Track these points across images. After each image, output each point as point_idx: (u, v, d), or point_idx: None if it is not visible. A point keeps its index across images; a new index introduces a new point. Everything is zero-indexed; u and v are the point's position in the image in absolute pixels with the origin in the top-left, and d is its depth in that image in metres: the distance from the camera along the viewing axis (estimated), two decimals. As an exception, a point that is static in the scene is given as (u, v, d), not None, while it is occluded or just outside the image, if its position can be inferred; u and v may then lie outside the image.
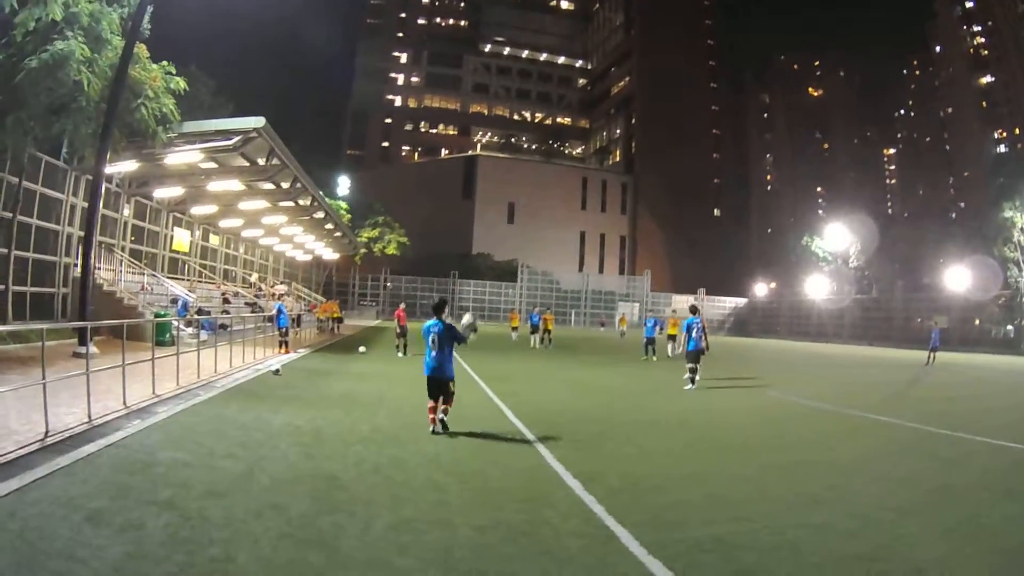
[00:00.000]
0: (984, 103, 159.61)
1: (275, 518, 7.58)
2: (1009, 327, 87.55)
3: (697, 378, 24.17)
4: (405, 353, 33.14)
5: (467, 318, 14.60)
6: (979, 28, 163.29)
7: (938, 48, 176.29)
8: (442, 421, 13.74)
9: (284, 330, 31.22)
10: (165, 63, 24.49)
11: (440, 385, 13.73)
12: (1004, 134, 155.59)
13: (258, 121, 27.85)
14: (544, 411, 17.11)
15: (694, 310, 25.15)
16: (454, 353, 14.15)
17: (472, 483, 9.65)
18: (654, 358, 37.90)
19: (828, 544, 7.78)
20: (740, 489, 10.13)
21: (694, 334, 24.11)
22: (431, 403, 13.84)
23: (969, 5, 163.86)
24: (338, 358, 30.57)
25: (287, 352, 30.40)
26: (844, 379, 33.94)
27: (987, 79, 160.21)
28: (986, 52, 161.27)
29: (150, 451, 10.33)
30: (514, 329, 57.01)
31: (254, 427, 12.85)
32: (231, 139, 29.36)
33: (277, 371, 22.07)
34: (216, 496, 8.23)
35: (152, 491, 8.26)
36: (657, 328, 40.35)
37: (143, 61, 23.63)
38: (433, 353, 13.70)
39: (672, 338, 41.21)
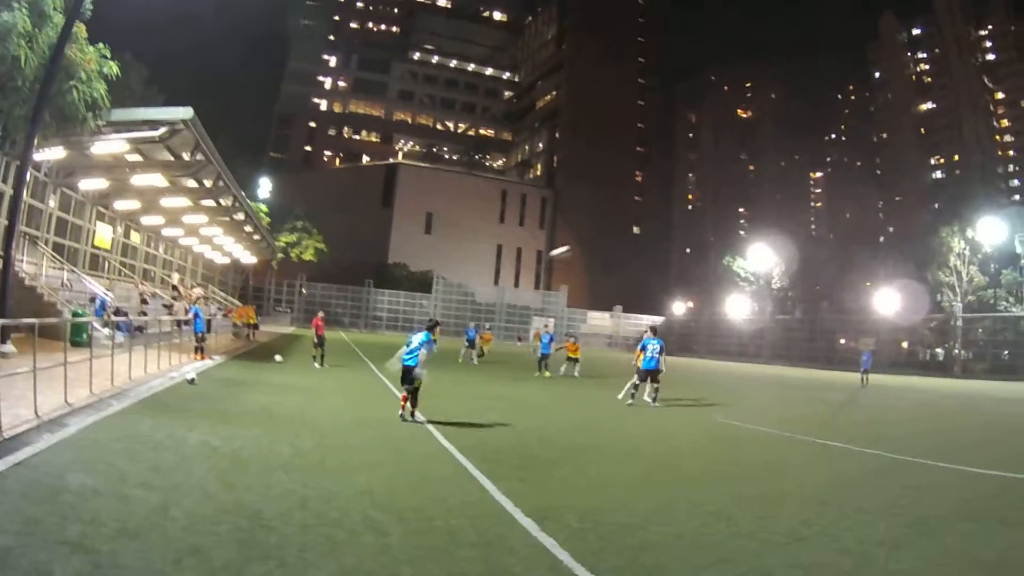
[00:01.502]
0: (923, 129, 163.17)
1: (197, 567, 6.49)
2: (939, 350, 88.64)
3: (646, 397, 25.39)
4: (323, 364, 32.37)
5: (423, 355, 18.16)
6: (924, 55, 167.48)
7: (877, 73, 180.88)
8: (412, 414, 17.44)
9: (200, 335, 30.22)
10: (101, 45, 23.63)
11: (409, 373, 17.47)
12: (942, 161, 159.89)
13: (186, 112, 27.17)
14: (477, 433, 16.34)
15: (654, 331, 25.98)
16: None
17: (414, 523, 8.48)
18: (547, 374, 37.70)
19: (825, 587, 7.06)
20: (712, 526, 9.37)
21: (651, 353, 24.58)
22: (403, 394, 17.67)
23: (916, 32, 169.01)
24: (255, 367, 29.70)
25: (203, 359, 29.41)
26: (782, 401, 34.01)
27: (928, 105, 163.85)
28: (930, 79, 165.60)
29: (59, 474, 9.28)
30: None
31: (168, 447, 11.81)
32: (158, 130, 28.52)
33: (192, 380, 21.15)
34: (129, 536, 7.11)
35: (61, 526, 7.18)
36: (553, 345, 40.33)
37: (80, 42, 22.77)
38: (407, 351, 17.81)
39: (574, 361, 39.78)
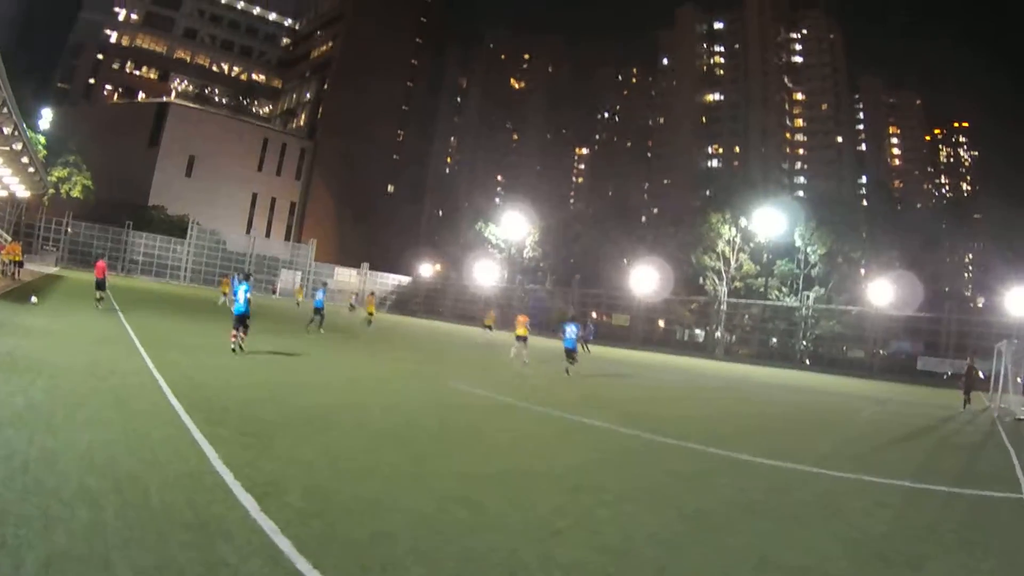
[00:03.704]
0: (704, 119, 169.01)
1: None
2: (698, 331, 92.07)
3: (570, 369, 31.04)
4: (100, 305, 33.19)
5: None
6: (721, 48, 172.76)
7: (665, 60, 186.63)
8: (241, 348, 23.52)
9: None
10: None
11: (245, 318, 23.85)
12: (720, 150, 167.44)
13: (-18, 35, 25.68)
14: (206, 388, 15.53)
15: (573, 317, 35.50)
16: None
17: (130, 494, 7.72)
18: (321, 331, 38.73)
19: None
20: (453, 511, 8.72)
21: (569, 335, 31.92)
22: (233, 332, 23.71)
23: (718, 25, 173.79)
24: (11, 308, 28.12)
25: (-33, 300, 27.47)
26: (528, 371, 32.56)
27: (715, 96, 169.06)
28: (722, 72, 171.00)
29: None
30: (225, 295, 54.64)
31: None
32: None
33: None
34: None
35: None
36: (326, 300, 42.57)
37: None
38: (243, 301, 24.03)
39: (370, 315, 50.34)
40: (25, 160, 53.04)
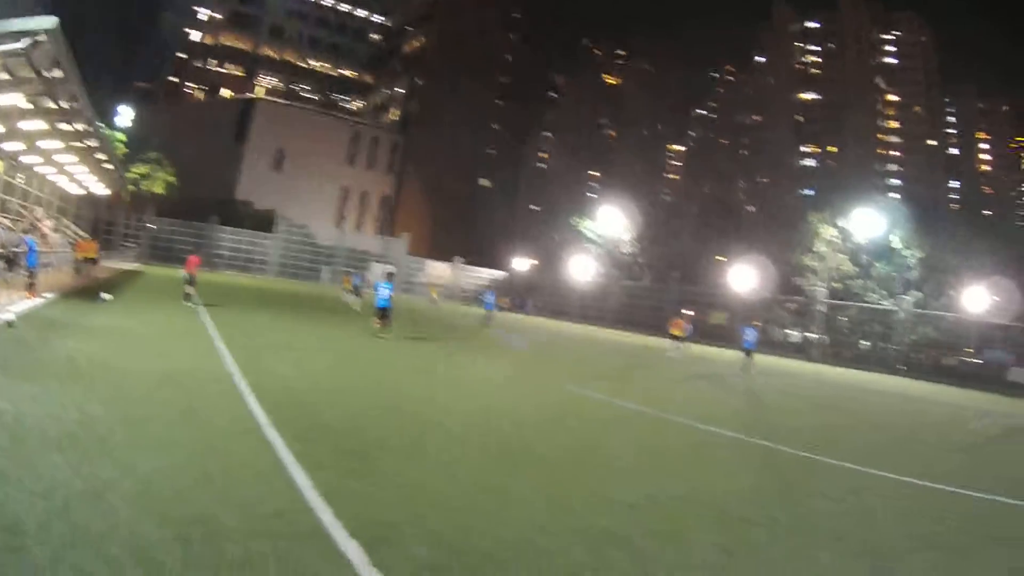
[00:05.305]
0: (800, 118, 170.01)
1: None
2: (793, 332, 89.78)
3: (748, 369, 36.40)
4: (188, 302, 32.49)
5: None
6: (817, 47, 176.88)
7: (762, 58, 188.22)
8: (382, 336, 28.19)
9: (32, 271, 27.53)
10: None
11: (386, 312, 29.36)
12: (817, 150, 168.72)
13: (51, 22, 24.65)
14: (301, 398, 13.84)
15: (753, 323, 41.05)
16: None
17: (198, 545, 6.00)
18: (488, 328, 43.27)
19: None
20: (609, 556, 7.21)
21: (749, 337, 37.89)
22: (378, 321, 29.31)
23: (812, 24, 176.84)
24: (81, 307, 26.82)
25: (33, 297, 26.45)
26: (635, 372, 31.98)
27: (810, 96, 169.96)
28: (817, 71, 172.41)
29: None
30: (347, 290, 55.02)
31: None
32: (21, 41, 25.90)
33: (11, 323, 18.28)
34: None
35: None
36: (496, 302, 49.53)
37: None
38: (386, 296, 29.56)
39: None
40: (101, 156, 52.45)
